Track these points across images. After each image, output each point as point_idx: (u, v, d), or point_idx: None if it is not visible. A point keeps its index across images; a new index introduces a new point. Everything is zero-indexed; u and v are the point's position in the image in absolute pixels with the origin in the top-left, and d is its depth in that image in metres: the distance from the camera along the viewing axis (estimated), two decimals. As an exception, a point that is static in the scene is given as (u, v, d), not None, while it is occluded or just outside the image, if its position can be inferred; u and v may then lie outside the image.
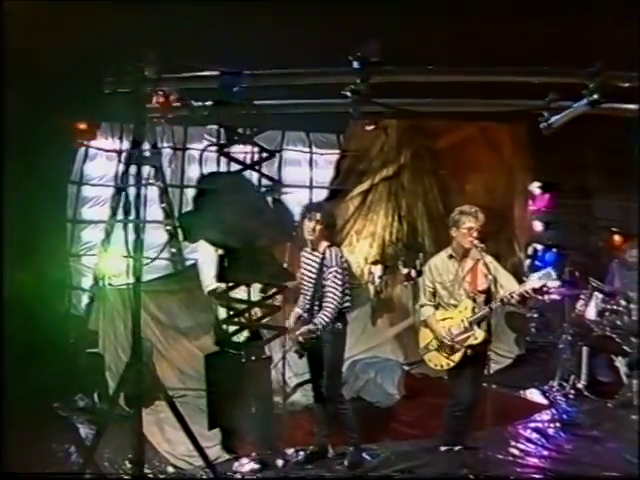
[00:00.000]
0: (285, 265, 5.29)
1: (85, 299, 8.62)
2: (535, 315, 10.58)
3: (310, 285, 5.75)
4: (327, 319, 5.53)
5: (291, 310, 5.95)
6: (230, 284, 4.26)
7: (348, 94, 4.00)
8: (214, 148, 4.65)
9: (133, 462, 4.23)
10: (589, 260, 10.38)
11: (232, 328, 4.64)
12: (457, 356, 5.62)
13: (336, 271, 5.60)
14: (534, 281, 5.54)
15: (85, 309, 8.32)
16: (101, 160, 9.12)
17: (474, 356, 5.63)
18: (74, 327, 8.14)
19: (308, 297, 5.77)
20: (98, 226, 9.04)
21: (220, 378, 4.05)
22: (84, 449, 5.59)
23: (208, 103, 4.65)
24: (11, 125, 6.19)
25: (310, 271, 5.75)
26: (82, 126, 8.58)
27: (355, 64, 3.79)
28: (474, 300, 5.59)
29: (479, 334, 5.57)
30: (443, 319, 5.71)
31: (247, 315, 4.29)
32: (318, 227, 5.67)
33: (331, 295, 5.57)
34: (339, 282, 5.60)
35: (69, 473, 4.86)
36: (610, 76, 3.83)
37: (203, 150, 7.35)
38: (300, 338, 5.56)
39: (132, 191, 6.18)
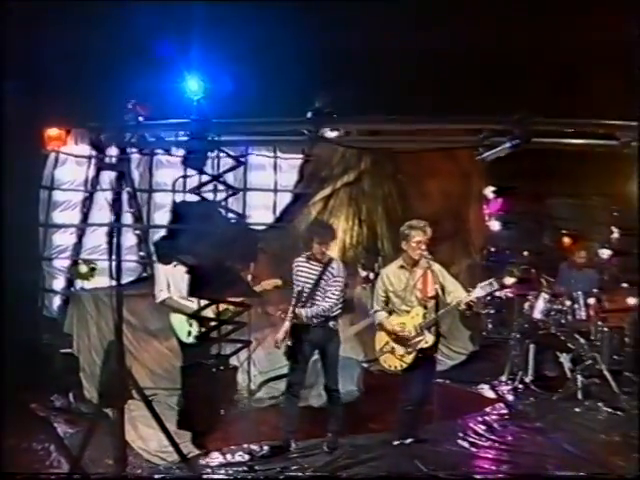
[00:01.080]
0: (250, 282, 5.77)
1: (57, 301, 8.91)
2: (492, 311, 11.11)
3: (308, 290, 6.31)
4: (323, 312, 6.22)
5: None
6: (202, 303, 4.72)
7: (305, 132, 4.49)
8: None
9: (116, 460, 4.60)
10: (542, 261, 10.88)
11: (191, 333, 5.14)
12: (409, 358, 6.10)
13: (340, 281, 6.36)
14: (478, 291, 6.04)
15: (58, 312, 8.62)
16: (71, 165, 9.36)
17: (425, 357, 6.12)
18: (47, 329, 8.45)
19: (304, 298, 6.30)
20: (69, 230, 9.32)
21: (194, 385, 4.48)
22: (63, 447, 5.93)
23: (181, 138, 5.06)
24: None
25: (310, 278, 6.35)
26: (52, 132, 8.85)
27: (309, 114, 4.29)
28: (425, 307, 6.08)
29: (429, 338, 6.07)
30: (396, 324, 6.17)
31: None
32: (324, 246, 6.33)
33: (333, 298, 6.27)
34: (339, 290, 6.35)
35: (65, 473, 5.12)
36: (532, 122, 4.36)
37: (175, 181, 7.82)
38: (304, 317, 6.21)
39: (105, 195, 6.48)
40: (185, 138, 5.03)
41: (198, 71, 8.13)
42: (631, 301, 9.27)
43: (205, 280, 4.22)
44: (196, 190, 4.37)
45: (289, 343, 6.31)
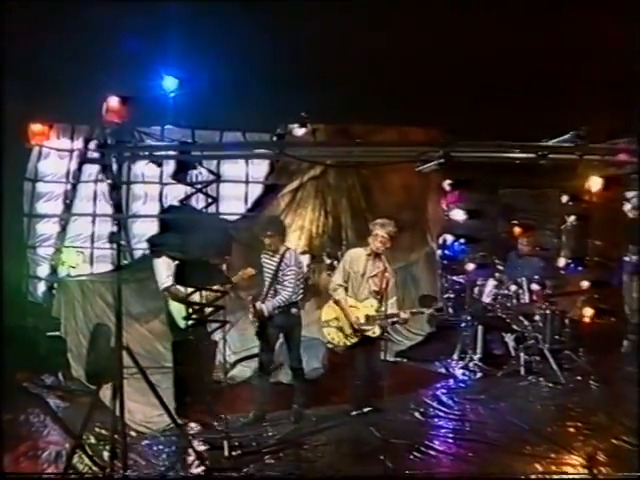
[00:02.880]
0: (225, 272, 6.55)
1: (42, 287, 9.52)
2: (452, 296, 11.88)
3: (269, 281, 7.01)
4: (282, 302, 6.90)
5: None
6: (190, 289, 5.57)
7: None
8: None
9: (115, 431, 5.31)
10: (497, 248, 11.60)
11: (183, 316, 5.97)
12: (354, 339, 7.00)
13: (294, 270, 6.98)
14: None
15: (44, 297, 9.23)
16: (54, 158, 9.94)
17: (371, 340, 6.99)
18: (33, 313, 9.05)
19: (265, 289, 7.03)
20: (52, 219, 9.92)
21: (183, 358, 5.27)
22: (57, 419, 6.61)
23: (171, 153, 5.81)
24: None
25: (269, 269, 7.04)
26: (37, 127, 9.40)
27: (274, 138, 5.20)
28: (377, 300, 6.95)
29: (377, 330, 6.95)
30: (349, 306, 6.98)
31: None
32: (273, 239, 6.94)
33: (288, 287, 6.92)
34: (294, 278, 6.97)
35: (63, 474, 5.60)
36: (454, 146, 5.32)
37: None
38: (266, 312, 6.90)
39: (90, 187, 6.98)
40: (172, 153, 5.79)
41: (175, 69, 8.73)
42: (574, 286, 10.17)
43: (189, 271, 5.10)
44: (184, 201, 5.23)
45: (257, 325, 7.02)
